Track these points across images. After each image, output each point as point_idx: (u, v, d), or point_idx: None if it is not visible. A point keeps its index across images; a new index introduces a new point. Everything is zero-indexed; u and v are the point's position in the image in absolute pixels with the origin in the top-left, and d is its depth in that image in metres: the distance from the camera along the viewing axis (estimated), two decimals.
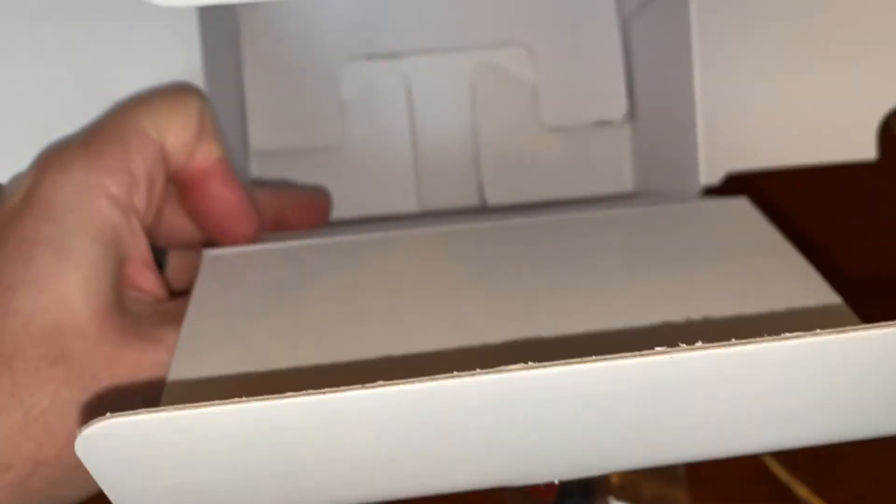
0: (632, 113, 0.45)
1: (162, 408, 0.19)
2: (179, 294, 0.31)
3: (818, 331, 0.21)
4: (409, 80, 0.43)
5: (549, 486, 0.42)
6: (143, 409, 0.19)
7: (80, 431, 0.19)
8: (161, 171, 0.30)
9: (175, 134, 0.30)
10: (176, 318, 0.28)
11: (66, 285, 0.26)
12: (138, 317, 0.28)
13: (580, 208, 0.35)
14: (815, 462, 0.41)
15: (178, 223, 0.33)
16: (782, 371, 0.22)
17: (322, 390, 0.19)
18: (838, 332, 0.21)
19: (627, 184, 0.45)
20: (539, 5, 0.44)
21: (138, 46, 0.33)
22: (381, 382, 0.20)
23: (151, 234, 0.31)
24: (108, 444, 0.19)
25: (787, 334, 0.21)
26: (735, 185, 0.37)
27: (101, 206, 0.28)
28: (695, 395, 0.22)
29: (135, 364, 0.27)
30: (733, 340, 0.21)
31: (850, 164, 0.38)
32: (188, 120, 0.30)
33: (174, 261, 0.34)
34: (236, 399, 0.19)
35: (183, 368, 0.25)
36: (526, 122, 0.44)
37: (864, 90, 0.38)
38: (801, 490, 0.40)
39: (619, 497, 0.41)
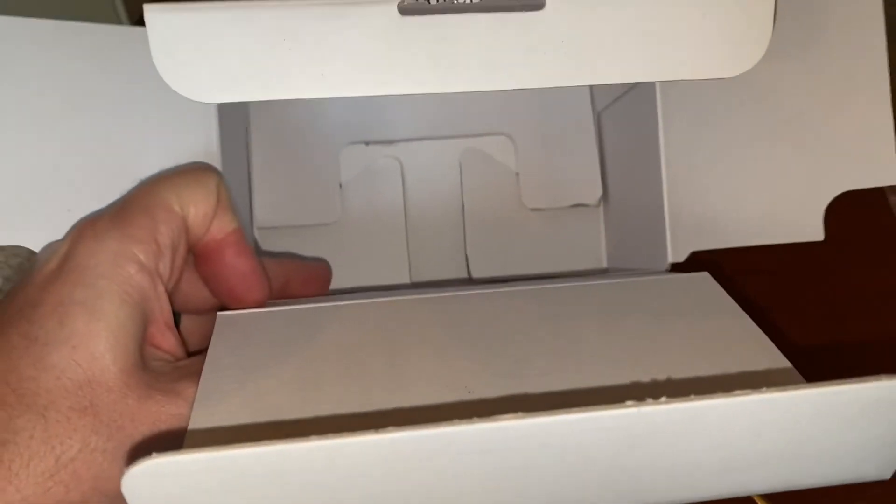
0: (606, 196, 0.49)
1: (201, 448, 0.22)
2: (193, 354, 0.34)
3: (764, 389, 0.25)
4: (402, 164, 0.48)
5: None
6: (184, 450, 0.22)
7: (128, 470, 0.22)
8: (183, 241, 0.33)
9: (196, 207, 0.33)
10: (192, 375, 0.30)
11: (98, 344, 0.29)
12: (159, 373, 0.31)
13: (559, 280, 0.39)
14: (798, 497, 0.44)
15: (193, 290, 0.36)
16: (734, 423, 0.25)
17: (337, 434, 0.22)
18: (783, 391, 0.25)
19: (601, 261, 0.49)
20: (521, 100, 0.49)
21: (164, 131, 0.37)
22: (391, 428, 0.23)
23: (170, 299, 0.34)
24: (153, 482, 0.22)
25: (738, 391, 0.24)
26: (698, 261, 0.41)
27: (130, 272, 0.31)
28: (661, 443, 0.25)
29: (156, 415, 0.29)
30: (692, 396, 0.24)
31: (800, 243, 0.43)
32: (207, 195, 0.34)
33: (187, 324, 0.37)
34: (266, 441, 0.22)
35: (202, 418, 0.27)
36: (509, 203, 0.49)
37: (812, 178, 0.43)
38: None
39: None
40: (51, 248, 0.34)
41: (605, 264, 0.50)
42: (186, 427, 0.27)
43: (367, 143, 0.48)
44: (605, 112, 0.49)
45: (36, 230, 0.35)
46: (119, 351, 0.30)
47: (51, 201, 0.36)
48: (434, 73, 0.30)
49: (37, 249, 0.35)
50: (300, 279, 0.40)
